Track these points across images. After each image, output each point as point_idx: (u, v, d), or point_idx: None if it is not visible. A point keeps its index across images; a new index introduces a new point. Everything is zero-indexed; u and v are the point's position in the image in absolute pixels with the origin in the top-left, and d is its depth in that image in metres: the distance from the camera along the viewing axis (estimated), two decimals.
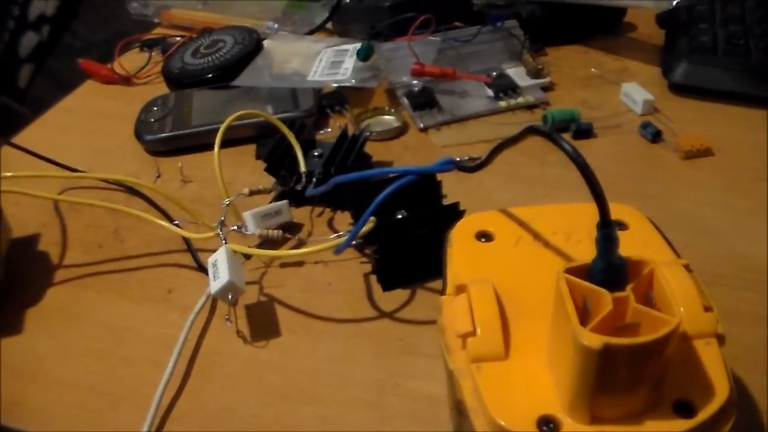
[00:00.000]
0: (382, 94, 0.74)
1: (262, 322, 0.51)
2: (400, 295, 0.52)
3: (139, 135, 0.67)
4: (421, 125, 0.68)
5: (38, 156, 0.60)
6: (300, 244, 0.57)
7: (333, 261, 0.55)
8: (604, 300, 0.30)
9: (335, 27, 0.80)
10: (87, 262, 0.57)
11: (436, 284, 0.52)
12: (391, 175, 0.47)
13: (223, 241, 0.52)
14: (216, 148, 0.55)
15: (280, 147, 0.59)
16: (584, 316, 0.31)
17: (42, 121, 0.75)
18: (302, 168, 0.58)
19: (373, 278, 0.53)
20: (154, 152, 0.67)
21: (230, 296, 0.48)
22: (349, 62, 0.70)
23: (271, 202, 0.58)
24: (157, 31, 0.89)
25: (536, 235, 0.42)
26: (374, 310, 0.51)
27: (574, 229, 0.41)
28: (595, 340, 0.28)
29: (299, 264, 0.55)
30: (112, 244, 0.59)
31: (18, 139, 0.71)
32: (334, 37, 0.76)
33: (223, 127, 0.55)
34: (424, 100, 0.70)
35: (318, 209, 0.60)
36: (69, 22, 1.30)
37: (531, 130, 0.38)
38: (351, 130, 0.63)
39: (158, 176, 0.65)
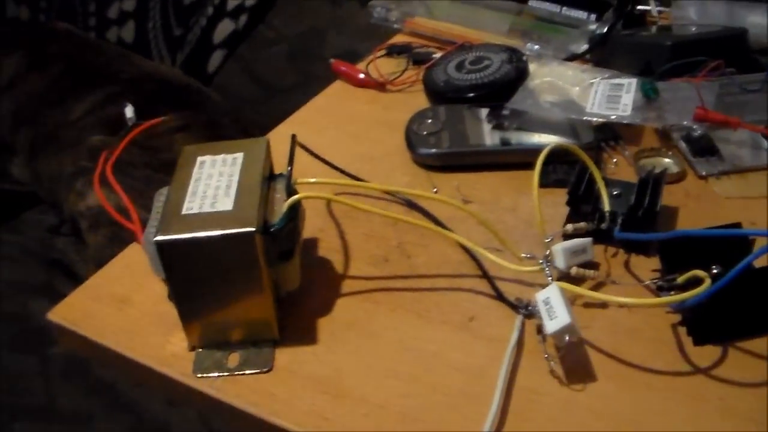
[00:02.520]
0: (650, 133, 0.70)
1: (575, 364, 0.48)
2: (711, 351, 0.48)
3: (412, 146, 0.65)
4: (703, 173, 0.64)
5: (322, 160, 0.58)
6: (600, 286, 0.53)
7: (637, 306, 0.51)
8: None
9: (593, 56, 0.77)
10: (374, 275, 0.55)
11: (751, 345, 0.49)
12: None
13: (549, 278, 0.49)
14: (535, 177, 0.52)
15: (582, 181, 0.56)
16: None
17: (296, 119, 0.74)
18: (606, 207, 0.55)
19: (681, 329, 0.49)
20: (427, 166, 0.65)
21: (567, 338, 0.45)
22: (627, 98, 0.66)
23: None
24: (398, 38, 0.87)
25: None
26: (688, 364, 0.48)
27: None
28: None
29: (603, 306, 0.52)
30: (399, 260, 0.56)
31: (274, 135, 0.69)
32: (597, 68, 0.72)
33: (542, 157, 0.53)
34: (704, 146, 0.66)
35: (611, 249, 0.56)
36: (266, 12, 1.31)
37: None
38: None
39: (435, 192, 0.62)
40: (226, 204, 0.47)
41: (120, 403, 1.01)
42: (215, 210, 0.47)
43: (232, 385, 0.48)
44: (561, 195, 0.61)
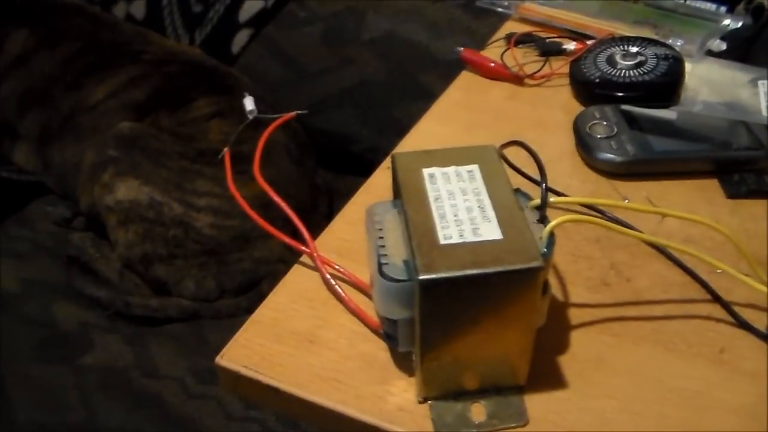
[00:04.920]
0: None
1: None
2: None
3: (590, 152, 0.59)
4: None
5: (524, 175, 0.51)
6: None
7: None
8: None
9: (731, 53, 0.72)
10: (599, 302, 0.50)
11: None
12: None
13: None
14: None
15: None
16: None
17: (436, 114, 0.67)
18: None
19: None
20: (607, 173, 0.59)
21: None
22: None
23: None
24: (510, 25, 0.81)
25: None
26: None
27: None
28: None
29: None
30: (618, 283, 0.51)
31: (418, 135, 0.63)
32: (753, 67, 0.68)
33: None
34: None
35: None
36: None
37: None
38: None
39: (626, 202, 0.57)
40: (492, 231, 0.41)
41: (171, 417, 0.93)
42: (483, 239, 0.40)
43: None
44: (756, 206, 0.57)
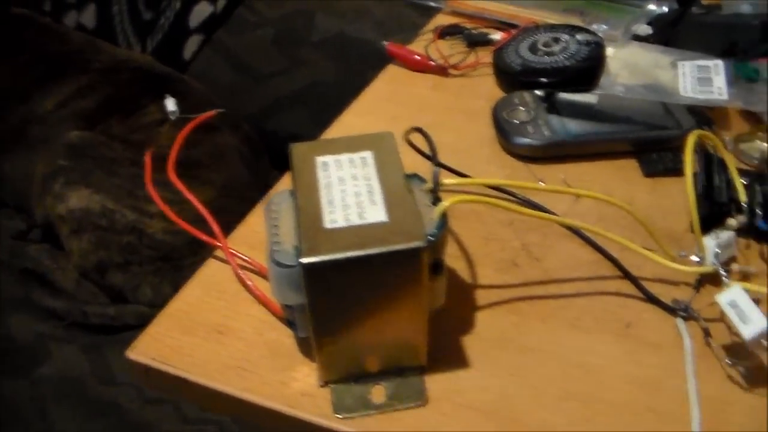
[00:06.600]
0: (735, 115, 0.66)
1: (751, 366, 0.44)
2: None
3: (507, 137, 0.59)
4: None
5: (428, 157, 0.51)
6: (746, 278, 0.50)
7: None
8: None
9: (657, 36, 0.73)
10: (507, 282, 0.50)
11: None
12: None
13: (725, 278, 0.45)
14: (688, 174, 0.48)
15: (712, 171, 0.52)
16: None
17: (359, 108, 0.67)
18: (743, 197, 0.51)
19: None
20: (525, 157, 0.60)
21: (765, 343, 0.41)
22: (719, 80, 0.63)
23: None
24: (441, 18, 0.81)
25: None
26: None
27: None
28: None
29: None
30: (528, 263, 0.51)
31: (339, 128, 0.63)
32: (676, 49, 0.68)
33: (690, 144, 0.48)
34: None
35: (743, 241, 0.52)
36: None
37: None
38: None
39: (542, 184, 0.57)
40: (378, 214, 0.41)
41: (129, 423, 0.92)
42: (367, 222, 0.40)
43: (384, 425, 0.42)
44: (672, 184, 0.57)
